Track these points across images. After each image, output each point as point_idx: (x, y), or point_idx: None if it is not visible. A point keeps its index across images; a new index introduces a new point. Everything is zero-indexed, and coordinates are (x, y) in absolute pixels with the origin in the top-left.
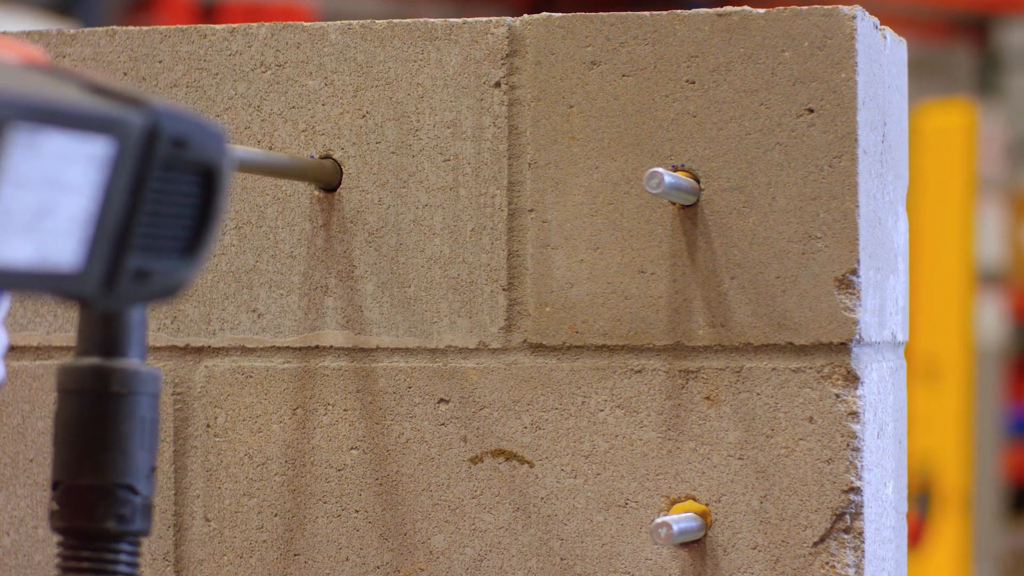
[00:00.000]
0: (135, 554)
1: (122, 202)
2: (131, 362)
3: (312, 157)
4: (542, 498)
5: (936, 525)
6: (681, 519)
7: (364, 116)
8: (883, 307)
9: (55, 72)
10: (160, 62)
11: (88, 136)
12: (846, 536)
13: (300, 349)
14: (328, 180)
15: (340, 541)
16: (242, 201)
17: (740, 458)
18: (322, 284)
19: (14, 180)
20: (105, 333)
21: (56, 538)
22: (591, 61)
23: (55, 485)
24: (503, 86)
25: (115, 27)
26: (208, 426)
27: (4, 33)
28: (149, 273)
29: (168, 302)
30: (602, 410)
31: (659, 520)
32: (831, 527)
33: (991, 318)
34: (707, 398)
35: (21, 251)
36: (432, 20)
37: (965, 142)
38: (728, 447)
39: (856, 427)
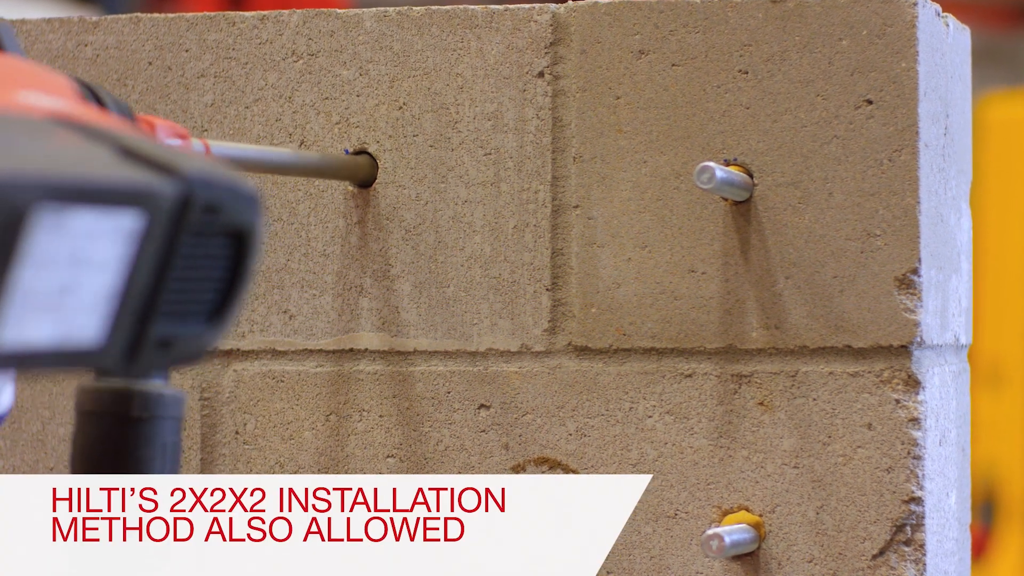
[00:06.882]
0: None
1: (149, 274)
2: (153, 384)
3: (347, 151)
4: None
5: (1001, 536)
6: (733, 530)
7: (401, 108)
8: (945, 308)
9: (86, 129)
10: (187, 51)
11: (117, 210)
12: (907, 548)
13: (333, 352)
14: (362, 177)
15: None
16: (273, 197)
17: (795, 467)
18: (357, 284)
19: (37, 261)
20: None
21: None
22: (639, 50)
23: None
24: (547, 76)
25: (139, 14)
26: (237, 433)
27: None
28: (173, 340)
29: (191, 366)
30: (650, 416)
31: (710, 531)
32: (891, 539)
33: None
34: (761, 404)
35: (42, 332)
36: (472, 7)
37: None
38: (783, 455)
39: (917, 434)
